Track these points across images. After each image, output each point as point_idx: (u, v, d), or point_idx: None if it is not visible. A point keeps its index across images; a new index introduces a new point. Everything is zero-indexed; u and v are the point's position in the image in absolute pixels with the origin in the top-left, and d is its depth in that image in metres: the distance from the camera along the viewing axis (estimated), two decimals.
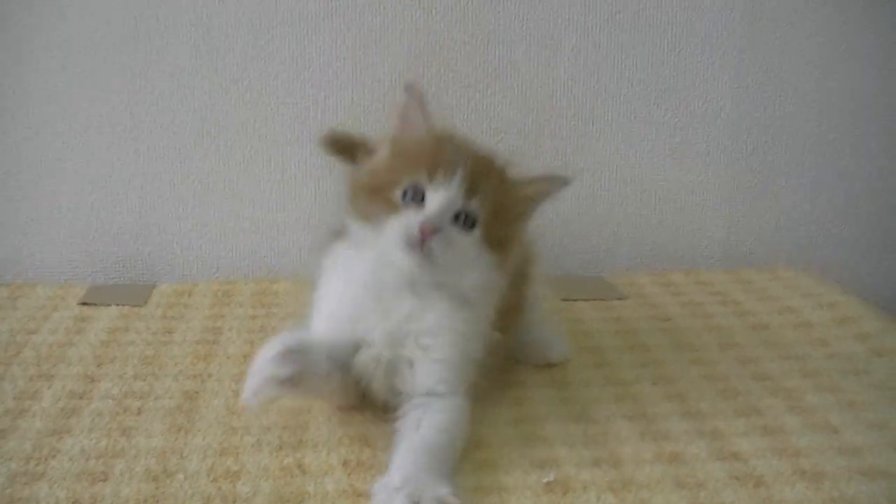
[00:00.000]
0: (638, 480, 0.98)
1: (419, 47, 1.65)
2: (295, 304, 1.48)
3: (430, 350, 1.07)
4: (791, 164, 1.80)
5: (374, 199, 1.07)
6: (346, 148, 1.28)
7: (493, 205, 1.07)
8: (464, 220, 1.05)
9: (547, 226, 1.60)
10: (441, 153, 1.06)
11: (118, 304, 1.50)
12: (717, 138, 1.77)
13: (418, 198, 1.05)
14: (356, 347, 1.08)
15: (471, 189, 1.05)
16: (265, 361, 1.00)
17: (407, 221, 1.03)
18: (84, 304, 1.51)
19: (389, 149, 1.12)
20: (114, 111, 1.64)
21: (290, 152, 1.67)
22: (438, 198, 1.04)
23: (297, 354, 1.01)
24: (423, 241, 1.02)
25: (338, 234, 1.15)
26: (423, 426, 1.02)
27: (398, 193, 1.06)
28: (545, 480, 0.98)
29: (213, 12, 1.62)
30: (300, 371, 1.01)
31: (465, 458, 1.02)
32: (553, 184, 1.12)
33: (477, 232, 1.06)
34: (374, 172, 1.11)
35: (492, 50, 1.68)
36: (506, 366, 1.19)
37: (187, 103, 1.65)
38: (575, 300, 1.56)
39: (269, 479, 0.98)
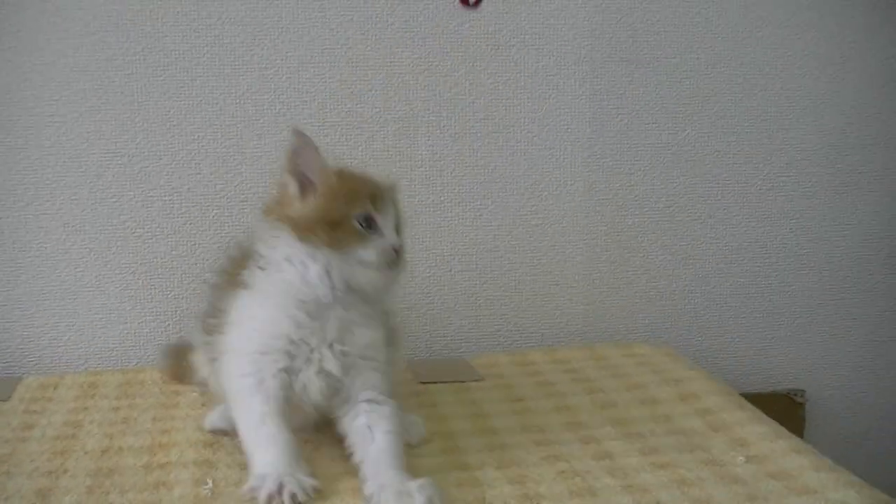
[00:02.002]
0: None
1: None
2: (159, 394, 1.52)
3: (369, 360, 1.25)
4: (645, 243, 1.88)
5: (336, 229, 1.20)
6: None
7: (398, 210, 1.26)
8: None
9: (410, 309, 1.67)
10: (371, 184, 1.23)
11: None
12: (573, 220, 1.84)
13: (371, 223, 1.21)
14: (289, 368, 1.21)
15: (395, 209, 1.25)
16: None
17: (379, 247, 1.21)
18: None
19: (325, 188, 1.22)
20: None
21: (154, 246, 1.71)
22: (389, 222, 1.23)
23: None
24: (395, 265, 1.22)
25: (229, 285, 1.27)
26: (378, 433, 1.21)
27: (354, 223, 1.20)
28: None
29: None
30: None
31: None
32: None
33: (402, 231, 1.26)
34: (323, 208, 1.21)
35: (354, 136, 1.74)
36: None
37: (52, 199, 1.68)
38: (434, 383, 1.60)
39: None
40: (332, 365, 1.22)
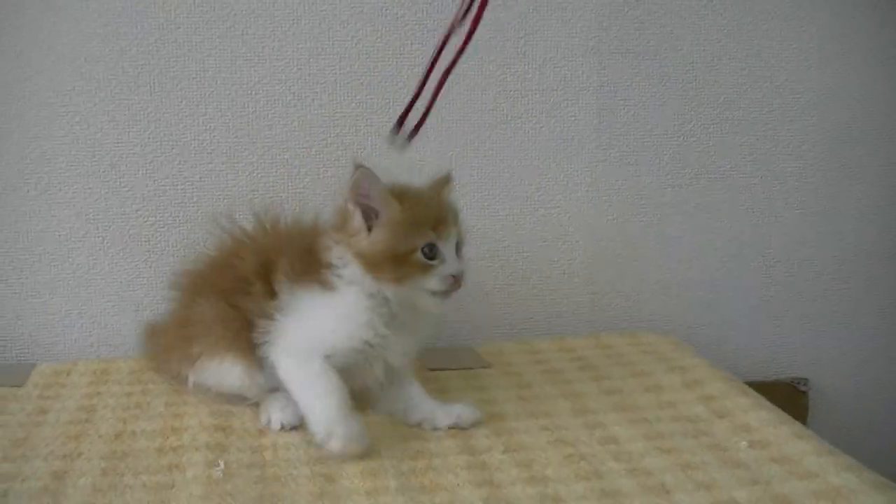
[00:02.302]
0: None
1: None
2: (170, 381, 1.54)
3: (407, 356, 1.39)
4: (651, 234, 1.91)
5: (402, 264, 1.29)
6: None
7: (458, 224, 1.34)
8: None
9: None
10: (434, 209, 1.31)
11: None
12: (580, 211, 1.86)
13: (434, 252, 1.29)
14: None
15: (455, 224, 1.33)
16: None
17: (442, 276, 1.30)
18: None
19: (389, 219, 1.29)
20: None
21: (167, 235, 1.73)
22: (451, 247, 1.31)
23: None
24: (456, 289, 1.31)
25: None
26: (411, 386, 1.41)
27: (419, 255, 1.28)
28: None
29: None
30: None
31: None
32: (449, 182, 1.40)
33: (462, 250, 1.35)
34: (389, 243, 1.29)
35: (361, 128, 1.76)
36: None
37: (66, 188, 1.71)
38: (442, 370, 1.62)
39: None
40: (396, 361, 1.37)
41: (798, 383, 2.01)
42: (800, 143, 1.94)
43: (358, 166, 1.28)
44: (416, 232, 1.28)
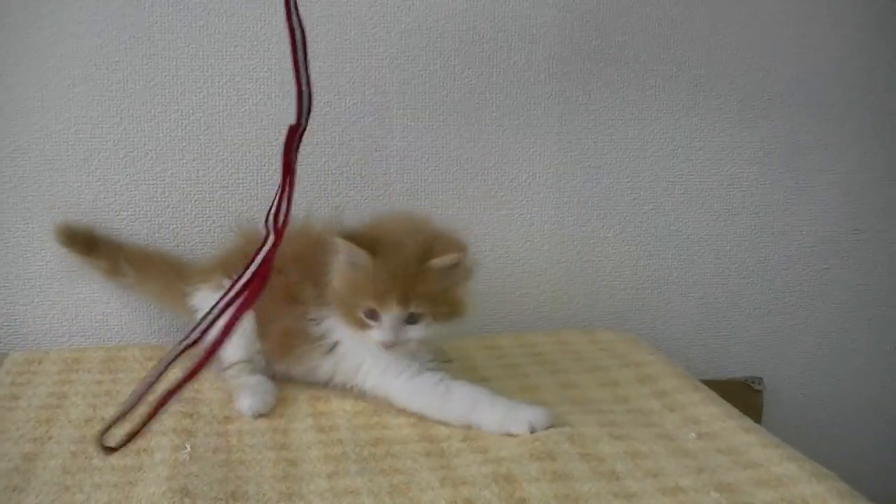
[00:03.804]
0: None
1: None
2: (141, 370, 1.57)
3: None
4: (610, 235, 1.96)
5: (348, 313, 1.36)
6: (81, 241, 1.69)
7: (430, 299, 1.34)
8: (410, 318, 1.34)
9: None
10: (381, 284, 1.32)
11: None
12: (541, 211, 1.91)
13: (376, 316, 1.34)
14: None
15: (408, 300, 1.33)
16: None
17: (375, 338, 1.35)
18: None
19: (342, 280, 1.37)
20: None
21: (137, 229, 1.77)
22: (389, 321, 1.33)
23: None
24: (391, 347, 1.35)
25: None
26: None
27: (360, 314, 1.34)
28: None
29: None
30: None
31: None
32: (462, 256, 1.37)
33: (424, 321, 1.35)
34: (339, 296, 1.37)
35: (330, 128, 1.80)
36: None
37: (39, 181, 1.74)
38: None
39: None
40: None
41: (753, 382, 2.06)
42: (757, 147, 2.00)
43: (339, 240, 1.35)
44: (361, 293, 1.34)
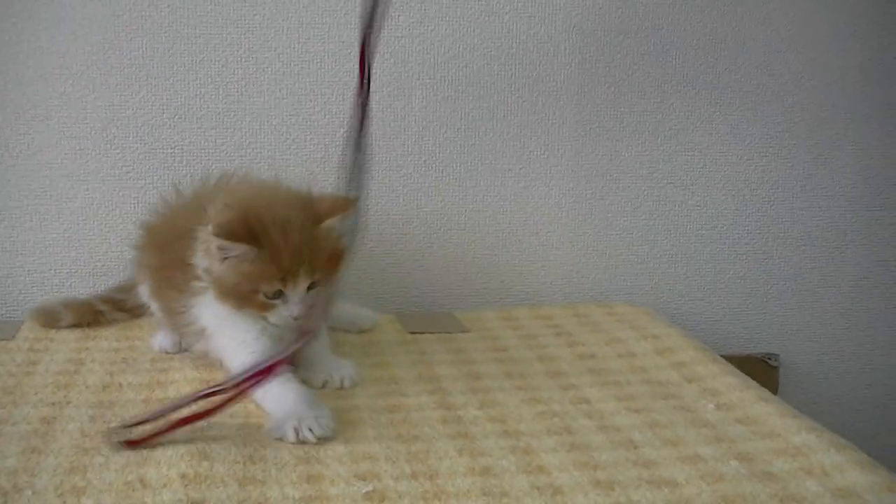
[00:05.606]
0: (448, 491, 1.08)
1: None
2: None
3: None
4: (628, 209, 1.95)
5: (245, 302, 1.31)
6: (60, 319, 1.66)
7: (323, 263, 1.31)
8: (310, 285, 1.31)
9: (400, 265, 1.74)
10: (289, 261, 1.28)
11: None
12: (559, 185, 1.91)
13: (280, 295, 1.30)
14: None
15: (314, 270, 1.30)
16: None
17: (284, 314, 1.31)
18: None
19: (240, 261, 1.29)
20: None
21: (155, 197, 1.75)
22: (297, 295, 1.30)
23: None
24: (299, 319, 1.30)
25: None
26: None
27: (262, 297, 1.30)
28: (364, 491, 1.08)
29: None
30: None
31: (294, 470, 1.12)
32: (348, 210, 1.35)
33: (320, 283, 1.32)
34: (234, 279, 1.30)
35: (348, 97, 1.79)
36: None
37: (58, 149, 1.75)
38: (422, 333, 1.67)
39: (111, 494, 1.06)
40: None
41: (769, 359, 2.06)
42: (777, 122, 1.98)
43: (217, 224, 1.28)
44: (263, 279, 1.29)
